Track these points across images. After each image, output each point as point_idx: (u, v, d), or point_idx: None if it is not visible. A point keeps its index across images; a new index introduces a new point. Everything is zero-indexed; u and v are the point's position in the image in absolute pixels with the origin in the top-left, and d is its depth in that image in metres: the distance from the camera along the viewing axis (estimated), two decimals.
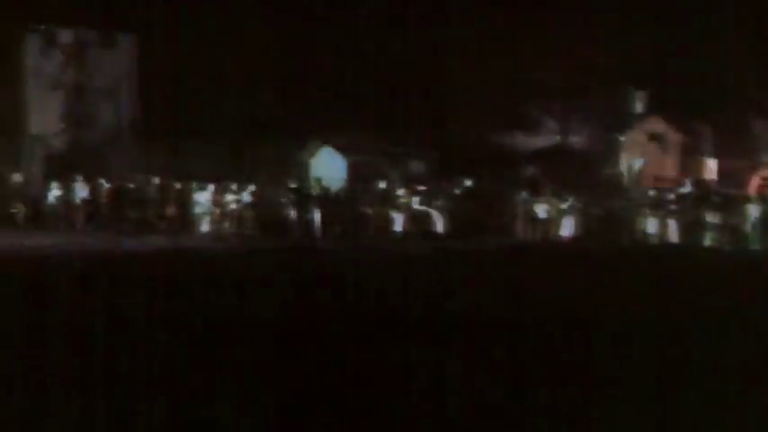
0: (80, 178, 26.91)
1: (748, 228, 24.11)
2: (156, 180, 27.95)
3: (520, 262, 19.37)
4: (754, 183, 31.41)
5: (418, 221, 26.14)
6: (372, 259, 19.53)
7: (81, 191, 26.64)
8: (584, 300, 12.92)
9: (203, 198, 26.75)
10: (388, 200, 26.64)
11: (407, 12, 42.21)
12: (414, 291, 13.37)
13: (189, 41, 41.40)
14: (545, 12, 41.31)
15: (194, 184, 27.36)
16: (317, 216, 26.14)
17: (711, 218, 24.68)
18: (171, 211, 26.79)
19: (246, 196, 26.71)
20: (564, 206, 26.23)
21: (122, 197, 27.48)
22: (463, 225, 26.23)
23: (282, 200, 26.83)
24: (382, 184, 27.57)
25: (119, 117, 32.96)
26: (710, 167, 37.40)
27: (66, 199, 26.69)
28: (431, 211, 26.23)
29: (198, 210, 26.66)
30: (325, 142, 36.50)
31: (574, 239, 25.61)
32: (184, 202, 26.94)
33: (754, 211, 24.29)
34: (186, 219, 26.75)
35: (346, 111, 40.63)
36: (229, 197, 26.60)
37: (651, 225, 25.57)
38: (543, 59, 41.85)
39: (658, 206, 25.89)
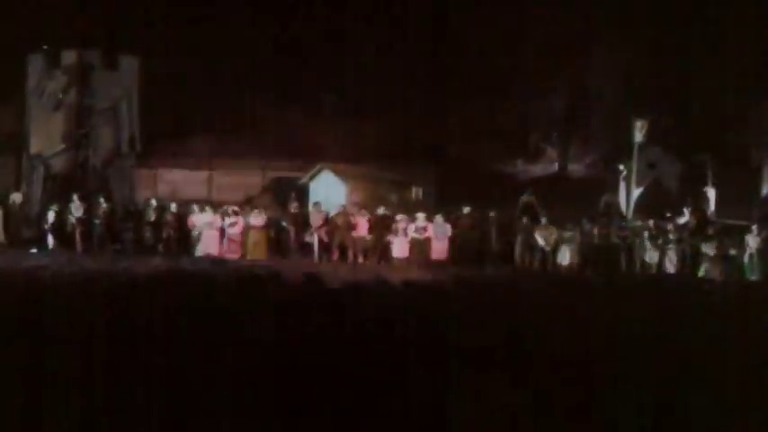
0: (78, 199, 26.88)
1: (746, 258, 24.10)
2: (155, 202, 27.90)
3: (525, 291, 19.32)
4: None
5: (417, 248, 26.10)
6: (378, 286, 19.47)
7: (77, 211, 26.61)
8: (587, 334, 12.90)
9: (203, 221, 26.67)
10: (387, 225, 26.60)
11: (408, 34, 42.44)
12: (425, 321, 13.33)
13: (191, 62, 41.73)
14: (546, 40, 41.51)
15: (194, 206, 27.32)
16: (315, 240, 26.19)
17: (709, 249, 24.68)
18: (169, 233, 26.72)
19: (250, 219, 26.68)
20: (563, 234, 26.21)
21: (121, 218, 27.48)
22: (463, 252, 26.25)
23: (283, 223, 26.82)
24: (381, 210, 27.52)
25: (120, 138, 33.00)
26: (710, 197, 37.38)
27: (64, 219, 26.66)
28: (430, 237, 26.20)
29: (196, 232, 26.57)
30: (326, 166, 36.58)
31: (573, 268, 25.59)
32: (183, 225, 26.87)
33: (752, 241, 24.29)
34: (185, 241, 26.68)
35: (346, 135, 40.86)
36: (229, 220, 26.54)
37: (649, 255, 25.56)
38: (544, 87, 42.06)
39: (657, 236, 25.88)
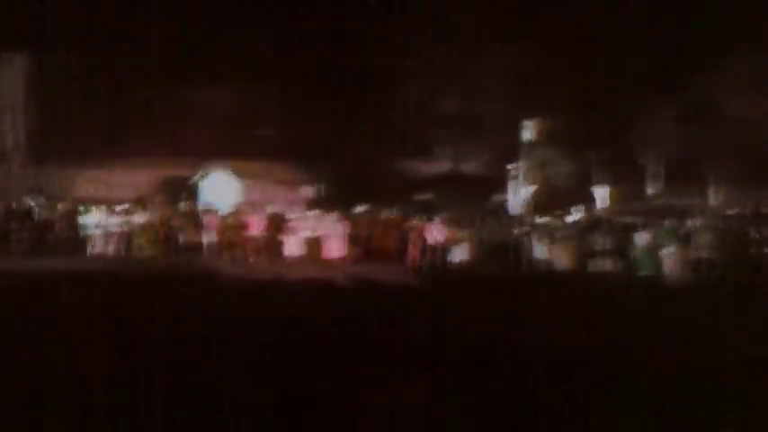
0: None
1: (637, 253, 24.43)
2: (44, 201, 27.24)
3: (418, 289, 19.35)
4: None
5: (311, 247, 25.95)
6: (274, 286, 19.29)
7: None
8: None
9: (92, 220, 26.10)
10: (279, 224, 26.38)
11: (306, 37, 42.22)
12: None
13: (85, 58, 40.85)
14: (440, 41, 41.69)
15: (82, 206, 26.75)
16: (207, 240, 25.83)
17: (600, 245, 24.99)
18: (59, 232, 26.10)
19: (138, 218, 26.22)
20: (456, 233, 26.31)
21: (9, 218, 26.74)
22: (359, 251, 26.19)
23: (173, 223, 26.40)
24: (273, 208, 27.29)
25: (14, 137, 32.19)
26: (599, 195, 38.07)
27: None
28: (325, 236, 26.08)
29: (86, 232, 25.99)
30: (217, 165, 36.23)
31: (466, 266, 25.68)
32: (73, 224, 26.26)
33: (640, 237, 24.63)
34: (75, 241, 26.08)
35: (241, 134, 40.44)
36: (116, 219, 26.04)
37: (540, 251, 25.79)
38: (439, 87, 42.20)
39: (548, 233, 26.17)
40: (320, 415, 8.48)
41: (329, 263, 25.10)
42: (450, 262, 25.93)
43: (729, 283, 21.26)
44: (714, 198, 36.94)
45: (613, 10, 38.69)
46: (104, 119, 40.82)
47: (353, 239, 26.35)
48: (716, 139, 36.59)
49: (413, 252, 26.29)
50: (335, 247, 26.02)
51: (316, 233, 26.03)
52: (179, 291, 16.74)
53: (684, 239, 23.64)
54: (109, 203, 27.97)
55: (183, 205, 27.76)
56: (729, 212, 28.89)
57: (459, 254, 26.07)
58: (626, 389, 9.28)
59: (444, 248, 26.15)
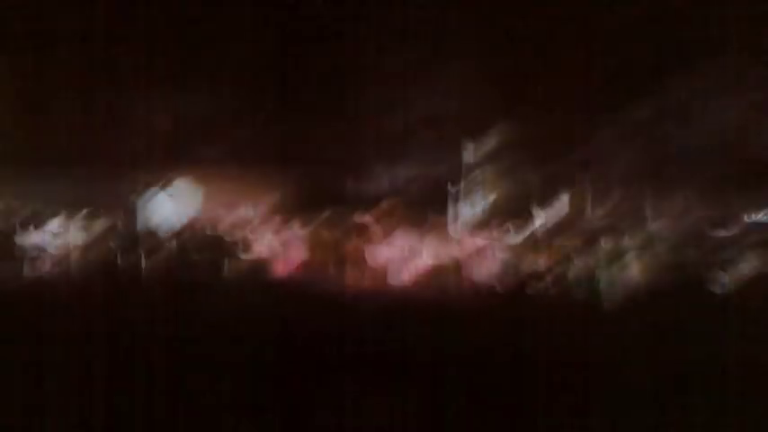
0: None
1: (574, 275, 24.57)
2: None
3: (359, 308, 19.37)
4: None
5: (253, 267, 25.86)
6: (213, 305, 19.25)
7: None
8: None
9: (26, 239, 25.78)
10: (219, 245, 26.24)
11: (256, 46, 42.13)
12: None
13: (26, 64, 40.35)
14: (377, 60, 41.80)
15: (17, 224, 26.38)
16: (146, 260, 25.57)
17: (539, 264, 25.16)
18: None
19: (75, 236, 25.92)
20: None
21: None
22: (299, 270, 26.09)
23: (111, 244, 26.12)
24: (213, 229, 27.13)
25: None
26: (539, 215, 38.29)
27: None
28: (268, 256, 26.01)
29: (20, 253, 25.67)
30: (157, 183, 35.88)
31: (410, 285, 25.71)
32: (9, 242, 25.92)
33: (582, 259, 24.79)
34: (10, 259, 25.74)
35: (181, 150, 40.15)
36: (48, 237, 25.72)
37: (482, 273, 25.89)
38: (377, 107, 42.33)
39: (487, 254, 26.30)
40: None
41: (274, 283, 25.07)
42: (389, 282, 25.99)
43: (663, 307, 21.45)
44: (655, 220, 37.28)
45: (558, 29, 39.09)
46: (41, 128, 40.30)
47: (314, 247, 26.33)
48: (657, 161, 36.97)
49: (350, 270, 26.28)
50: (296, 255, 25.99)
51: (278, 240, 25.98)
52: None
53: (623, 262, 23.83)
54: (50, 217, 27.61)
55: (121, 225, 27.45)
56: (669, 234, 29.17)
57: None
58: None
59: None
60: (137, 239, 26.05)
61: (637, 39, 38.45)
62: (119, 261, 25.40)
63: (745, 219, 33.36)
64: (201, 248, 25.82)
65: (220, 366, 10.96)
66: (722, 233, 29.59)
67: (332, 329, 15.25)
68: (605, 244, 25.60)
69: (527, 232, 29.49)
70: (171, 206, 35.00)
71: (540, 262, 25.01)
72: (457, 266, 25.81)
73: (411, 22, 41.99)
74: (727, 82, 38.22)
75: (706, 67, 38.41)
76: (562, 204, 38.44)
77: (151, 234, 26.52)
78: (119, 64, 40.33)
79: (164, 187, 35.52)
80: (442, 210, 38.43)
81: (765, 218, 33.48)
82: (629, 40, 38.77)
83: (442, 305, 21.35)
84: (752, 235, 29.28)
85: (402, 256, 26.13)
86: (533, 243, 27.32)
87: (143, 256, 25.20)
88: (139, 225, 29.33)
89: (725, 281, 22.05)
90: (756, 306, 20.63)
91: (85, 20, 41.54)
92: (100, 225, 27.54)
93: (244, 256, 25.72)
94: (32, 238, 25.73)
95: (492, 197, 39.54)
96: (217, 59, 41.97)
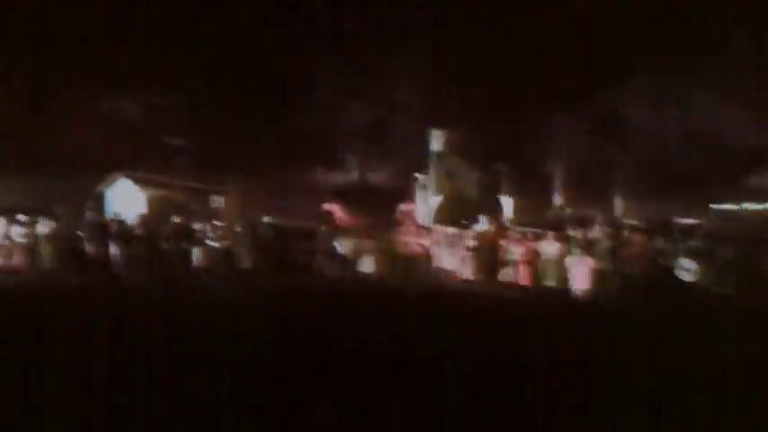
0: None
1: (543, 264, 24.69)
2: None
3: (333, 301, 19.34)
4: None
5: (220, 258, 25.72)
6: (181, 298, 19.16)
7: None
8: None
9: None
10: (187, 235, 26.11)
11: (214, 48, 41.95)
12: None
13: None
14: (346, 51, 41.81)
15: None
16: (115, 251, 25.35)
17: (507, 255, 25.25)
18: None
19: (41, 229, 25.71)
20: (365, 243, 26.37)
21: None
22: (267, 262, 25.98)
23: (80, 233, 25.88)
24: (179, 219, 26.99)
25: None
26: (508, 205, 38.55)
27: None
28: (235, 247, 25.90)
29: None
30: (124, 175, 35.78)
31: (375, 277, 25.70)
32: None
33: (547, 247, 24.88)
34: None
35: (147, 143, 40.02)
36: (18, 230, 25.54)
37: (448, 262, 25.99)
38: (347, 98, 42.34)
39: (455, 243, 26.36)
40: None
41: (238, 273, 24.96)
42: (360, 272, 25.96)
43: (628, 295, 21.63)
44: (617, 209, 37.65)
45: (521, 25, 39.26)
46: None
47: (262, 249, 26.25)
48: (619, 151, 37.36)
49: (321, 261, 26.27)
50: (245, 258, 25.90)
51: (226, 243, 25.89)
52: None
53: (588, 250, 23.93)
54: (12, 212, 27.37)
55: (90, 215, 27.20)
56: (631, 223, 29.37)
57: (369, 264, 26.16)
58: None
59: (354, 259, 26.21)
60: (106, 228, 25.87)
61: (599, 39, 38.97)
62: (88, 249, 25.20)
63: (710, 208, 33.89)
64: (170, 237, 25.66)
65: (188, 348, 11.02)
66: (688, 222, 29.97)
67: (291, 316, 15.31)
68: (571, 232, 25.74)
69: (493, 221, 29.59)
70: (136, 196, 34.90)
71: (508, 250, 25.08)
72: (424, 254, 25.84)
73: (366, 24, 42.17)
74: (678, 84, 38.84)
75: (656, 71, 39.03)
76: (528, 194, 38.80)
77: (120, 223, 26.34)
78: (84, 71, 40.32)
79: (129, 178, 35.41)
80: (410, 198, 38.61)
81: (728, 207, 34.01)
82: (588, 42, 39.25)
83: (410, 292, 21.37)
84: (715, 224, 29.68)
85: (370, 244, 26.13)
86: (500, 231, 27.41)
87: (113, 244, 25.01)
88: (107, 214, 29.22)
89: (692, 268, 22.27)
90: (724, 293, 20.95)
91: (55, 28, 41.49)
92: (67, 215, 27.37)
93: (211, 245, 25.61)
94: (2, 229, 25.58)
95: (459, 187, 39.79)
96: (181, 71, 41.97)
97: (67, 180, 37.79)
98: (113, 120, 41.14)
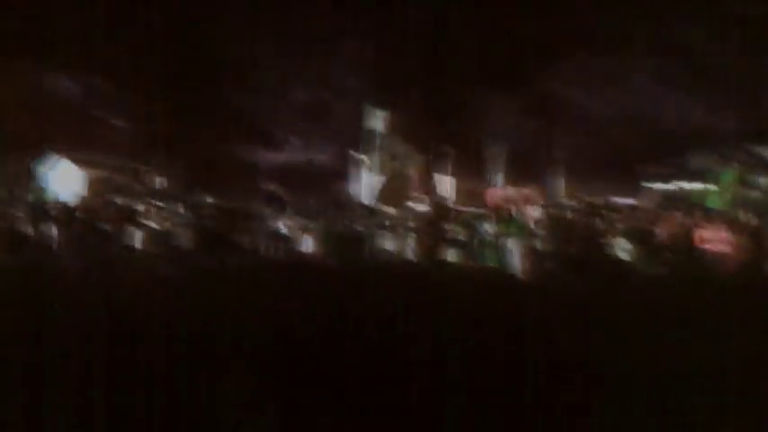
0: None
1: (481, 245, 24.87)
2: None
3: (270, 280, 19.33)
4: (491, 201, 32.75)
5: (161, 239, 25.62)
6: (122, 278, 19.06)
7: None
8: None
9: None
10: (127, 216, 25.96)
11: (154, 25, 41.60)
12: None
13: None
14: (291, 31, 41.64)
15: None
16: (54, 231, 25.15)
17: (448, 235, 25.38)
18: None
19: None
20: (307, 223, 26.39)
21: None
22: (207, 242, 25.91)
23: (18, 214, 25.65)
24: (121, 200, 26.85)
25: None
26: (450, 186, 38.68)
27: None
28: (176, 228, 25.81)
29: None
30: (63, 155, 35.39)
31: (316, 257, 25.74)
32: None
33: (489, 228, 25.06)
34: None
35: (86, 121, 39.59)
36: None
37: (389, 243, 26.07)
38: (288, 78, 42.20)
39: (397, 224, 26.46)
40: None
41: (180, 254, 24.88)
42: (302, 252, 25.98)
43: (564, 275, 21.85)
44: (556, 189, 37.94)
45: (462, 3, 39.31)
46: None
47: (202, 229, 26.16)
48: (558, 133, 37.65)
49: (263, 242, 26.25)
50: (185, 239, 25.81)
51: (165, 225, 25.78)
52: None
53: (526, 231, 24.14)
54: None
55: (29, 195, 26.97)
56: (569, 204, 29.67)
57: (310, 244, 26.18)
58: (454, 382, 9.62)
59: (295, 238, 26.23)
60: (45, 209, 25.67)
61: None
62: (28, 231, 24.97)
63: (645, 187, 34.32)
64: (110, 218, 25.49)
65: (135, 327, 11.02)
66: (626, 202, 30.35)
67: (230, 297, 15.32)
68: (511, 213, 25.94)
69: (434, 201, 29.75)
70: (76, 176, 34.59)
71: (448, 230, 25.19)
72: (367, 234, 25.92)
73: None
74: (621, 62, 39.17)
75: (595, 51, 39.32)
76: (469, 175, 38.94)
77: (59, 204, 26.16)
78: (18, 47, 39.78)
79: (68, 158, 35.07)
80: (350, 178, 38.66)
81: (666, 187, 34.47)
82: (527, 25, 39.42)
83: (352, 272, 21.46)
84: (652, 203, 30.08)
85: (312, 225, 26.16)
86: (441, 212, 27.55)
87: (52, 225, 24.80)
88: (47, 195, 28.96)
89: (628, 248, 22.56)
90: (666, 273, 21.28)
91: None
92: (6, 195, 27.11)
93: (151, 226, 25.48)
94: None
95: (398, 167, 39.87)
96: (119, 48, 41.57)
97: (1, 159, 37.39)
98: (52, 98, 40.65)
